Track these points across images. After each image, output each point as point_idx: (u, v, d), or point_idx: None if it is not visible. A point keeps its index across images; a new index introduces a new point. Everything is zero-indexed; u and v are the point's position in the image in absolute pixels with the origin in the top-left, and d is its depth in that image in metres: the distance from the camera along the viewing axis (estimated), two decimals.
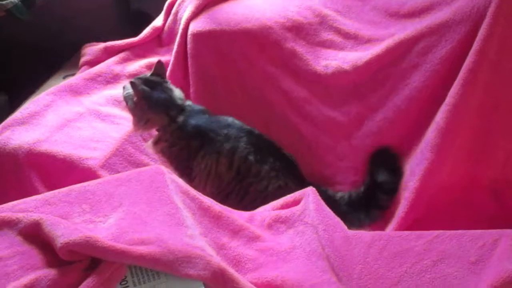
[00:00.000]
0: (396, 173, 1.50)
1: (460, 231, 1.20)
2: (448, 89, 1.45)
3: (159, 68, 1.58)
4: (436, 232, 1.20)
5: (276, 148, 1.58)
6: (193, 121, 1.54)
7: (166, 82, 1.58)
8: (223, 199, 1.51)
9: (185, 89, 1.71)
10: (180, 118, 1.53)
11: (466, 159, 1.47)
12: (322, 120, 1.63)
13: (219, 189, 1.54)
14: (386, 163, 1.53)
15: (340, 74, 1.60)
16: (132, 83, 1.48)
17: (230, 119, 1.58)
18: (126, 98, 1.54)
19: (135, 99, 1.51)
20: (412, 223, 1.45)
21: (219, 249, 1.18)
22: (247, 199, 1.50)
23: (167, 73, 1.73)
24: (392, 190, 1.50)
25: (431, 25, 1.49)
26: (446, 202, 1.48)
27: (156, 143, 1.56)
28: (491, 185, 1.50)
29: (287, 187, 1.43)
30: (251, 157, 1.52)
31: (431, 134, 1.46)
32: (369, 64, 1.56)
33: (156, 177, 1.26)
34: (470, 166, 1.48)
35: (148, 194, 1.22)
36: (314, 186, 1.37)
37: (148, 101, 1.51)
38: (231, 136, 1.53)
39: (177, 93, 1.56)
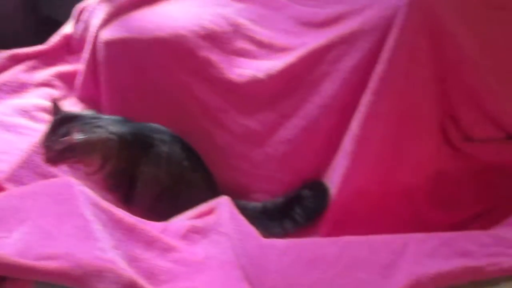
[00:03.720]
0: (322, 198, 1.51)
1: (371, 236, 1.22)
2: (359, 97, 1.48)
3: (55, 106, 1.50)
4: (348, 238, 1.22)
5: (201, 159, 1.57)
6: (126, 129, 1.50)
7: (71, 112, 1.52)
8: (157, 206, 1.50)
9: (96, 98, 1.68)
10: (112, 129, 1.48)
11: (380, 166, 1.51)
12: (237, 128, 1.63)
13: (158, 196, 1.51)
14: (316, 188, 1.54)
15: (254, 82, 1.60)
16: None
17: (154, 125, 1.56)
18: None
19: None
20: (331, 230, 1.47)
21: (132, 262, 1.16)
22: (178, 206, 1.47)
23: (80, 82, 1.69)
24: (311, 209, 1.51)
25: (342, 34, 1.52)
26: (364, 208, 1.51)
27: (97, 171, 1.48)
28: (404, 191, 1.54)
29: (211, 199, 1.42)
30: (185, 163, 1.51)
31: (346, 141, 1.49)
32: (282, 72, 1.57)
33: (65, 189, 1.22)
34: (384, 172, 1.52)
35: (56, 206, 1.18)
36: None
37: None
38: (165, 140, 1.51)
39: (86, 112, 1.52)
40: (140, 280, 1.08)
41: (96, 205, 1.21)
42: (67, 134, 1.42)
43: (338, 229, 1.46)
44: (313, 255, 1.17)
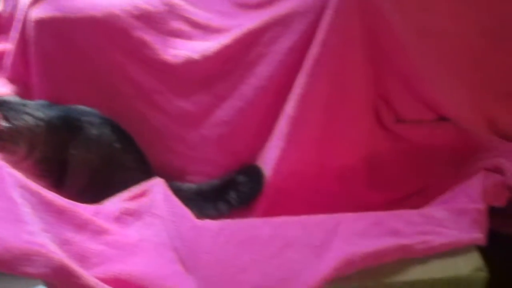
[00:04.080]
0: (257, 183, 1.51)
1: (304, 217, 1.24)
2: (295, 78, 1.49)
3: None
4: (282, 219, 1.23)
5: (133, 140, 1.55)
6: (53, 113, 1.46)
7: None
8: (90, 189, 1.46)
9: (26, 79, 1.63)
10: (39, 115, 1.44)
11: (315, 147, 1.53)
12: (172, 110, 1.61)
13: (90, 179, 1.48)
14: (251, 173, 1.54)
15: (189, 63, 1.58)
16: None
17: (82, 107, 1.52)
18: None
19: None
20: (266, 211, 1.48)
21: (63, 245, 1.14)
22: (110, 189, 1.44)
23: (9, 63, 1.63)
24: (245, 194, 1.51)
25: (277, 16, 1.52)
26: (299, 189, 1.53)
27: (24, 158, 1.42)
28: (338, 172, 1.57)
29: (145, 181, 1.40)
30: (117, 145, 1.49)
31: (281, 123, 1.50)
32: (218, 54, 1.56)
33: None
34: (319, 154, 1.54)
35: None
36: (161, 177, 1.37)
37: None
38: (95, 123, 1.48)
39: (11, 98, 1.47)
40: (71, 264, 1.06)
41: (24, 187, 1.18)
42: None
43: (273, 210, 1.47)
44: (247, 236, 1.17)
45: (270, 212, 1.46)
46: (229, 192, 1.52)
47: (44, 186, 1.41)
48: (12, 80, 1.67)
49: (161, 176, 1.42)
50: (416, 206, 1.42)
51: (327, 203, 1.52)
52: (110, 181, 1.48)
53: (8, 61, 1.65)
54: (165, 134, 1.63)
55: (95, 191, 1.46)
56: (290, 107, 1.48)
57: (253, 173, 1.53)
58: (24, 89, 1.64)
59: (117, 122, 1.55)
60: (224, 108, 1.57)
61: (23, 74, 1.64)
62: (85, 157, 1.47)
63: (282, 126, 1.49)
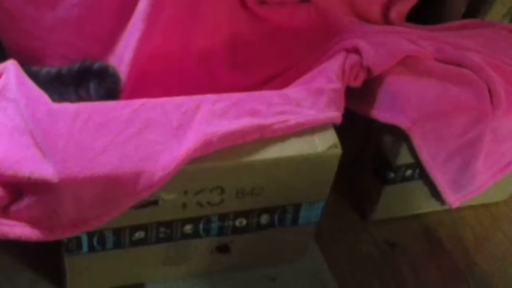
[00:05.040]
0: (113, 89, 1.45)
1: (165, 98, 1.23)
2: None
3: None
4: (142, 101, 1.22)
5: None
6: None
7: None
8: None
9: None
10: None
11: (176, 29, 1.50)
12: None
13: None
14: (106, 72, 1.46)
15: None
16: None
17: None
18: None
19: None
20: (128, 95, 1.46)
21: None
22: None
23: None
24: (103, 89, 1.44)
25: None
26: (160, 71, 1.50)
27: None
28: (201, 54, 1.56)
29: None
30: None
31: (141, 4, 1.44)
32: None
33: None
34: (181, 35, 1.51)
35: None
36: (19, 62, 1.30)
37: None
38: None
39: None
40: None
41: None
42: None
43: (136, 94, 1.45)
44: (105, 118, 1.15)
45: (133, 96, 1.45)
46: (89, 80, 1.47)
47: None
48: None
49: (19, 60, 1.35)
50: (277, 88, 1.45)
51: (190, 86, 1.52)
52: None
53: None
54: (19, 17, 1.52)
55: None
56: None
57: (107, 78, 1.46)
58: None
59: None
60: None
61: None
62: None
63: (142, 7, 1.44)
